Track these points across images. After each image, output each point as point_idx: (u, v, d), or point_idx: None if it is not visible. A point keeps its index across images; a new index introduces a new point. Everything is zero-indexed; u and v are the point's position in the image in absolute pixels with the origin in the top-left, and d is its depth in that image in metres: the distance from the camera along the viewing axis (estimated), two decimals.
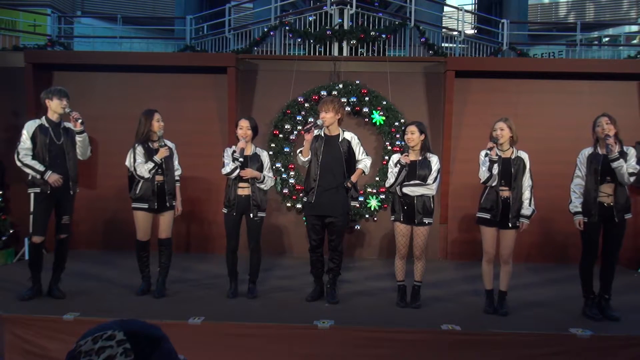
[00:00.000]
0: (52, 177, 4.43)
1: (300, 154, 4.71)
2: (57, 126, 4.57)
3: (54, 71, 7.31)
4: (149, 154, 4.64)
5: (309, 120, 4.64)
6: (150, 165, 4.61)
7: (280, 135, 7.07)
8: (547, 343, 3.76)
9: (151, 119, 4.65)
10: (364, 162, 4.70)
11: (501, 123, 4.45)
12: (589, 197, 4.30)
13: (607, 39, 12.30)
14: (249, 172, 4.65)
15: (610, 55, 10.61)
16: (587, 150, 4.41)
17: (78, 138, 4.65)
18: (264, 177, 4.73)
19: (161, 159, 4.65)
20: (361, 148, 4.73)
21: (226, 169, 4.68)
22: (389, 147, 6.98)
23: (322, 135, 4.69)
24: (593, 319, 4.24)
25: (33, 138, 4.46)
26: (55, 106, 4.54)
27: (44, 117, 4.57)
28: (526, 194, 4.41)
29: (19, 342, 3.88)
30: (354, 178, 4.66)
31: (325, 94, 6.90)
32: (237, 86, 7.07)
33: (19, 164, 4.44)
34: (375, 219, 7.10)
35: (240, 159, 4.62)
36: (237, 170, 4.65)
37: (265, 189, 4.78)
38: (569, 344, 3.75)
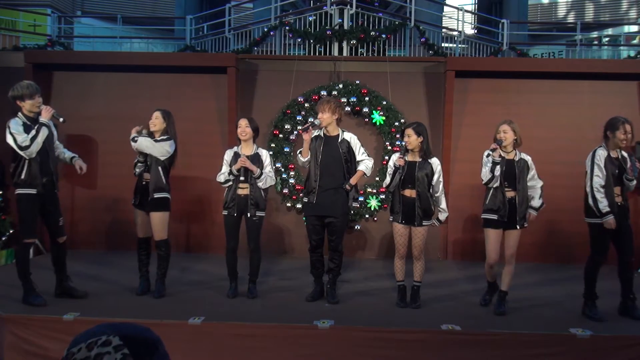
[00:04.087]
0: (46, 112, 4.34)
1: (300, 155, 4.72)
2: (36, 123, 4.33)
3: (54, 71, 7.30)
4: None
5: (309, 120, 4.63)
6: (136, 159, 4.73)
7: (280, 135, 7.06)
8: (547, 343, 3.76)
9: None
10: (365, 164, 4.67)
11: (505, 125, 4.45)
12: (611, 200, 4.26)
13: (607, 39, 12.29)
14: (247, 163, 4.61)
15: (610, 55, 10.61)
16: (603, 152, 4.31)
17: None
18: (261, 174, 4.68)
19: (142, 156, 4.68)
20: (361, 148, 4.71)
21: (220, 178, 4.75)
22: (389, 147, 6.98)
23: (322, 135, 4.69)
24: (593, 319, 4.23)
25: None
26: (30, 106, 4.32)
27: (21, 115, 4.33)
28: (537, 191, 4.51)
29: (19, 342, 3.87)
30: (353, 180, 4.64)
31: (325, 94, 6.90)
32: (237, 86, 7.06)
33: (25, 152, 4.19)
34: (375, 219, 7.09)
35: (236, 174, 4.64)
36: (230, 182, 4.69)
37: (263, 187, 4.72)
38: (569, 344, 3.76)
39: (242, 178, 4.64)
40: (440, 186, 4.51)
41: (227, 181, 4.70)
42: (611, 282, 4.47)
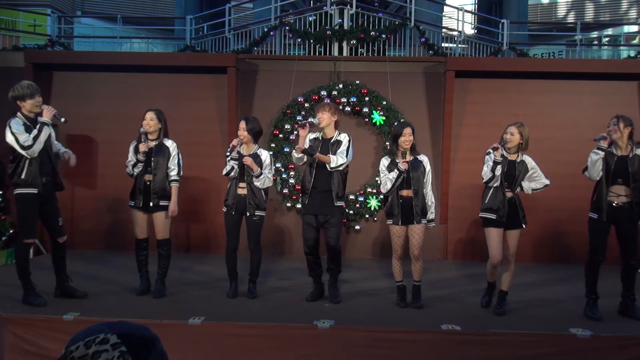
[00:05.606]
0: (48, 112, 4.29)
1: (294, 151, 4.67)
2: (35, 123, 4.30)
3: (54, 71, 7.31)
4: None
5: (309, 120, 4.65)
6: (132, 160, 4.67)
7: (280, 135, 7.07)
8: (547, 343, 3.76)
9: (144, 118, 4.70)
10: (337, 158, 4.53)
11: (513, 128, 4.41)
12: (601, 194, 4.29)
13: (607, 39, 12.29)
14: (249, 161, 4.63)
15: (610, 55, 10.61)
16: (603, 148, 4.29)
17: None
18: (261, 173, 4.67)
19: (143, 156, 4.62)
20: (345, 147, 4.59)
21: (224, 170, 4.74)
22: (389, 147, 6.97)
23: (320, 138, 4.72)
24: (592, 319, 4.23)
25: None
26: (30, 106, 4.30)
27: (21, 115, 4.28)
28: (537, 185, 4.51)
29: (19, 342, 3.87)
30: (318, 155, 4.57)
31: (325, 94, 6.90)
32: (237, 86, 7.07)
33: (27, 152, 4.14)
34: (375, 219, 7.10)
35: (232, 156, 4.65)
36: (235, 170, 4.67)
37: (260, 187, 4.70)
38: (569, 344, 3.75)
39: (236, 161, 4.67)
40: (430, 183, 4.56)
41: (229, 172, 4.69)
42: (611, 282, 4.47)
